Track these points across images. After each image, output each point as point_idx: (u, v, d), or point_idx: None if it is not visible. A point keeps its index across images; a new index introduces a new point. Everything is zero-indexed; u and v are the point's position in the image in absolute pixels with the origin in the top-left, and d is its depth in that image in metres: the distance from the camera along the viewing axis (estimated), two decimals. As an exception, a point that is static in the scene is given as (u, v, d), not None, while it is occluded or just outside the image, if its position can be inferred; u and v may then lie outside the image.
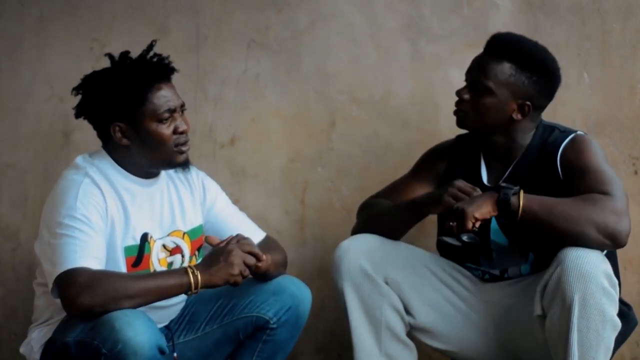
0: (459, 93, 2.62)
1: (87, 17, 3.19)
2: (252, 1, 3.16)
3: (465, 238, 2.54)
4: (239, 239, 2.41)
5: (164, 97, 2.42)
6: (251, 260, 2.38)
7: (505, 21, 3.06)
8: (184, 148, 2.45)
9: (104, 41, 3.13)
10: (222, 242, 2.42)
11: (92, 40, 3.17)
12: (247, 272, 2.38)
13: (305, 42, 3.15)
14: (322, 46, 3.14)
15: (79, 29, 3.19)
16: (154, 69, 2.43)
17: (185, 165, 2.48)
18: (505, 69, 2.57)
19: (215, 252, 2.39)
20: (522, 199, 2.42)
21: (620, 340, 2.46)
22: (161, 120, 2.41)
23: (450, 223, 2.44)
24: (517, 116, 2.58)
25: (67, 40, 3.19)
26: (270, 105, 3.17)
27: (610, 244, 2.41)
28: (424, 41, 3.11)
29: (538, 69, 2.57)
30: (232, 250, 2.36)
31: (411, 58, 3.12)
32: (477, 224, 2.43)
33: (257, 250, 2.40)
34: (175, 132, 2.43)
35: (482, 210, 2.43)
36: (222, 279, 2.34)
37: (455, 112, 2.64)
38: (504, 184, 2.46)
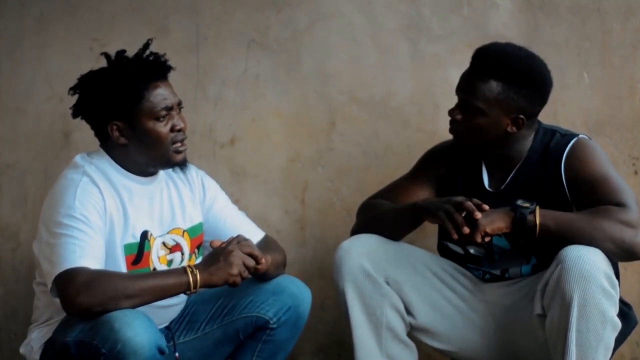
0: (451, 113, 2.60)
1: (87, 17, 3.19)
2: (252, 1, 3.16)
3: (472, 251, 2.56)
4: (240, 240, 2.41)
5: (160, 95, 2.42)
6: (250, 262, 2.38)
7: (505, 21, 3.06)
8: (181, 147, 2.46)
9: (104, 41, 3.13)
10: (223, 243, 2.42)
11: (92, 40, 3.17)
12: (246, 273, 2.38)
13: (305, 42, 3.15)
14: (322, 46, 3.14)
15: (79, 29, 3.19)
16: (150, 68, 2.43)
17: (182, 164, 2.49)
18: (493, 87, 2.53)
19: (215, 252, 2.39)
20: (538, 218, 2.42)
21: (620, 340, 2.45)
22: (158, 118, 2.42)
23: (455, 236, 2.43)
24: (511, 129, 2.57)
25: (67, 40, 3.19)
26: (270, 105, 3.17)
27: (628, 257, 2.43)
28: (424, 41, 3.11)
29: (526, 82, 2.53)
30: (232, 250, 2.36)
31: (411, 58, 3.12)
32: (487, 239, 2.43)
33: (257, 252, 2.40)
34: (172, 130, 2.44)
35: (494, 226, 2.42)
36: (221, 279, 2.34)
37: (451, 131, 2.63)
38: (519, 202, 2.44)
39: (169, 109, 2.43)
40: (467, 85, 2.57)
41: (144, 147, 2.43)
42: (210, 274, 2.33)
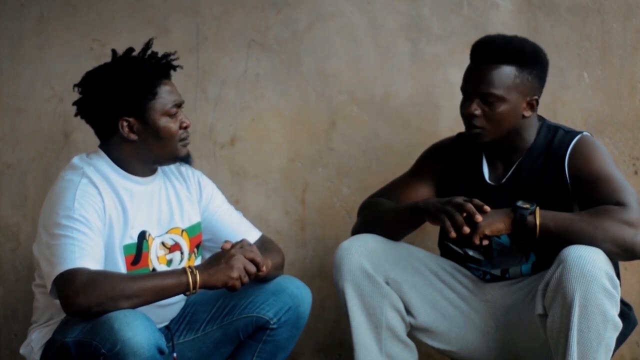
0: (467, 111, 2.55)
1: (87, 17, 3.19)
2: (252, 1, 3.16)
3: (471, 253, 2.55)
4: (243, 245, 2.41)
5: (171, 93, 2.47)
6: (252, 267, 2.38)
7: (505, 21, 3.07)
8: (187, 142, 2.49)
9: (104, 41, 3.13)
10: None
11: (92, 40, 3.17)
12: (246, 278, 2.37)
13: (305, 42, 3.15)
14: (322, 46, 3.14)
15: (79, 29, 3.19)
16: (163, 65, 2.47)
17: (187, 158, 2.52)
18: (507, 72, 2.53)
19: (217, 254, 2.39)
20: (538, 219, 2.41)
21: (620, 340, 2.45)
22: (170, 115, 2.45)
23: (453, 234, 2.42)
24: (527, 113, 2.57)
25: (67, 41, 3.19)
26: (270, 105, 3.17)
27: (628, 257, 2.42)
28: (424, 41, 3.11)
29: (535, 62, 2.56)
30: (235, 254, 2.36)
31: (411, 58, 3.12)
32: (485, 242, 2.43)
33: (259, 259, 2.40)
34: (180, 126, 2.47)
35: (493, 227, 2.42)
36: (221, 281, 2.34)
37: (470, 131, 2.58)
38: (519, 203, 2.43)
39: (179, 105, 2.47)
40: (481, 77, 2.54)
41: (154, 142, 2.45)
42: (210, 276, 2.33)
